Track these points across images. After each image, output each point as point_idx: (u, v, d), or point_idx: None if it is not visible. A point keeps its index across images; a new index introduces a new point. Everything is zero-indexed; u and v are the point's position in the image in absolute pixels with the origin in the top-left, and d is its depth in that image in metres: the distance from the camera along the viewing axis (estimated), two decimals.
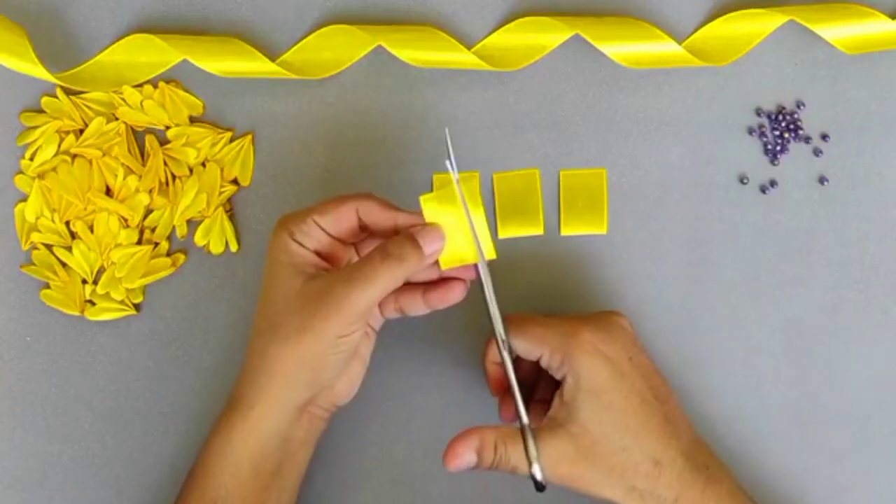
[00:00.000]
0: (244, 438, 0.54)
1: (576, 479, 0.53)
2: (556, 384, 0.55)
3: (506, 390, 0.57)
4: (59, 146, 0.63)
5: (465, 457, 0.53)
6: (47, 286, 0.63)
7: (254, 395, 0.54)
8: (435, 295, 0.56)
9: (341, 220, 0.54)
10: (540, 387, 0.59)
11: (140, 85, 0.64)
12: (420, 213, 0.54)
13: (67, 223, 0.63)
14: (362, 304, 0.52)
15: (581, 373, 0.54)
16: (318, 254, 0.55)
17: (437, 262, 0.55)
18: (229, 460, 0.54)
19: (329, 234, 0.55)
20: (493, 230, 0.63)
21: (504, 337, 0.55)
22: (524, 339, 0.55)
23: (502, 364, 0.55)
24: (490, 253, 0.55)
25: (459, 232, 0.54)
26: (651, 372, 0.56)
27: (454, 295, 0.56)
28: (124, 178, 0.63)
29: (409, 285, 0.56)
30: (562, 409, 0.54)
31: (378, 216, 0.55)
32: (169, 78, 0.64)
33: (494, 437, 0.53)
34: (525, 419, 0.54)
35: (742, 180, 0.64)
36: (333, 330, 0.52)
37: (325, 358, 0.53)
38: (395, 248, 0.53)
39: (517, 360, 0.56)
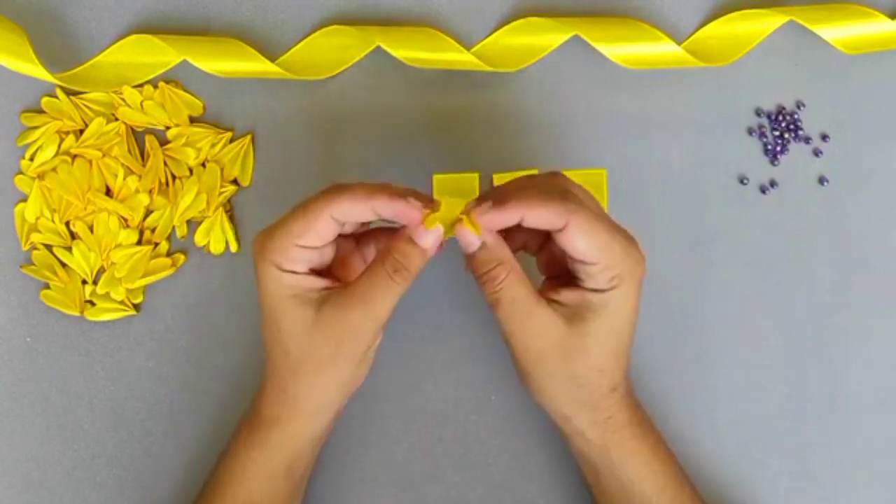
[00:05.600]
0: (283, 447, 0.55)
1: (538, 359, 0.53)
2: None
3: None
4: (59, 146, 0.63)
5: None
6: (47, 286, 0.63)
7: (289, 415, 0.55)
8: None
9: (321, 232, 0.52)
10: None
11: (140, 85, 0.64)
12: (397, 197, 0.51)
13: (67, 223, 0.63)
14: (383, 319, 0.53)
15: (618, 298, 0.52)
16: (313, 271, 0.53)
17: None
18: (266, 467, 0.55)
19: (316, 248, 0.53)
20: None
21: None
22: (588, 240, 0.51)
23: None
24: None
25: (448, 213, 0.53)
26: None
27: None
28: (124, 179, 0.63)
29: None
30: (575, 299, 0.52)
31: (354, 213, 0.52)
32: (169, 78, 0.64)
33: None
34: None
35: (742, 180, 0.64)
36: (363, 349, 0.53)
37: (360, 372, 0.55)
38: (401, 258, 0.52)
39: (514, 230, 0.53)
